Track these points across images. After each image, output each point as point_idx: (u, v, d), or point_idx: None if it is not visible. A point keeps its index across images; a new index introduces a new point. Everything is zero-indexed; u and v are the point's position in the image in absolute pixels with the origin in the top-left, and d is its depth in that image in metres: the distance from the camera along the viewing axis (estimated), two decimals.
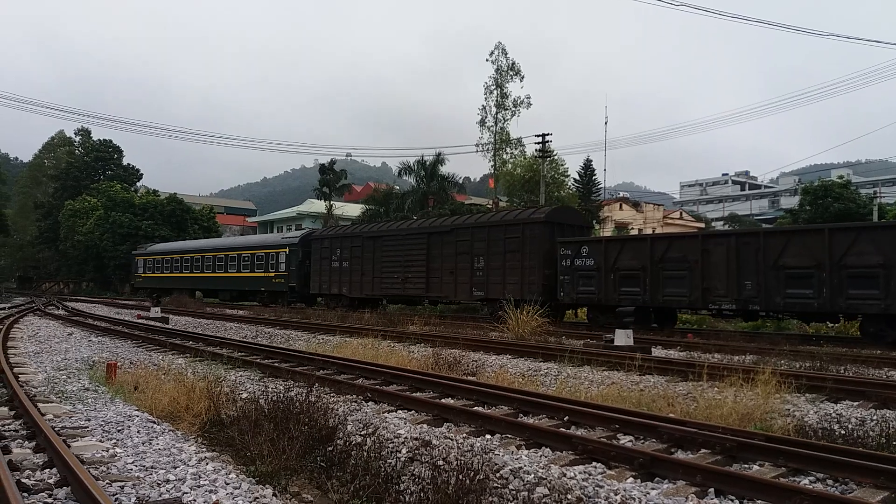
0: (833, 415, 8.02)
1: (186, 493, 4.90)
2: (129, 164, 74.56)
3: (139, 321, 23.48)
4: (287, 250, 33.27)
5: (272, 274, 34.23)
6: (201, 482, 5.14)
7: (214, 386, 8.30)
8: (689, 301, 18.19)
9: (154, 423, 7.24)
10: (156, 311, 25.79)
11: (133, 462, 5.65)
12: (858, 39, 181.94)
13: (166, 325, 22.30)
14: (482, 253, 23.43)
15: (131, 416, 7.44)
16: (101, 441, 6.35)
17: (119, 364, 11.51)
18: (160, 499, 4.76)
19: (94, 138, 74.53)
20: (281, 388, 8.42)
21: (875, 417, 7.74)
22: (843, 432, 7.06)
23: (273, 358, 13.14)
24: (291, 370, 11.15)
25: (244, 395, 8.58)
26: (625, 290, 19.55)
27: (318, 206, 66.13)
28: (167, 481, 5.14)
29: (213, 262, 39.83)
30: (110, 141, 73.73)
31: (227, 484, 5.13)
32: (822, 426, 7.40)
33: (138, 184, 74.01)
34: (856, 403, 8.72)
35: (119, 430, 6.80)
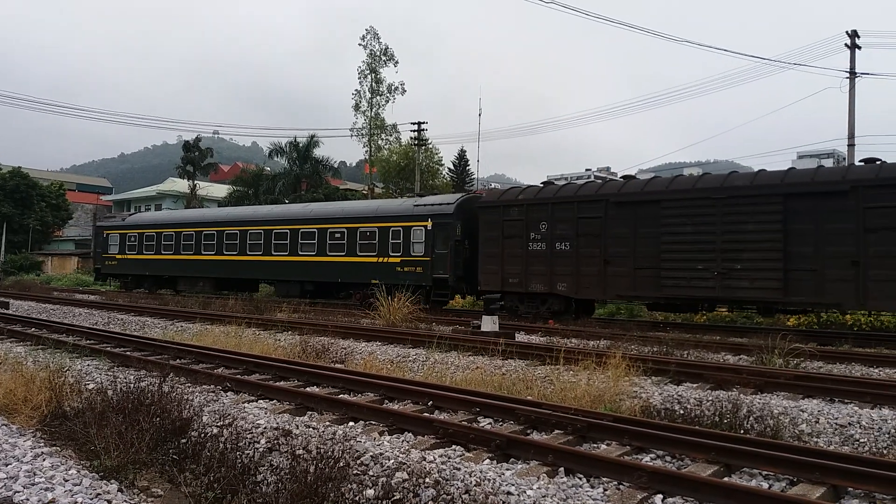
0: (675, 396, 8.65)
1: (19, 491, 4.54)
2: None
3: None
4: (429, 223, 21.63)
5: (396, 259, 22.26)
6: (36, 479, 4.78)
7: (57, 376, 7.70)
8: None
9: None
10: None
11: None
12: (709, 47, 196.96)
13: (6, 311, 20.45)
14: None
15: None
16: None
17: None
18: None
19: None
20: (132, 378, 7.96)
21: (711, 398, 8.41)
22: (682, 412, 7.64)
23: (125, 346, 12.39)
24: (144, 359, 10.57)
25: (91, 386, 8.04)
26: None
27: (180, 185, 63.00)
28: None
29: (265, 238, 26.26)
30: None
31: (66, 480, 4.80)
32: (665, 407, 7.97)
33: None
34: (695, 385, 9.47)
35: None
